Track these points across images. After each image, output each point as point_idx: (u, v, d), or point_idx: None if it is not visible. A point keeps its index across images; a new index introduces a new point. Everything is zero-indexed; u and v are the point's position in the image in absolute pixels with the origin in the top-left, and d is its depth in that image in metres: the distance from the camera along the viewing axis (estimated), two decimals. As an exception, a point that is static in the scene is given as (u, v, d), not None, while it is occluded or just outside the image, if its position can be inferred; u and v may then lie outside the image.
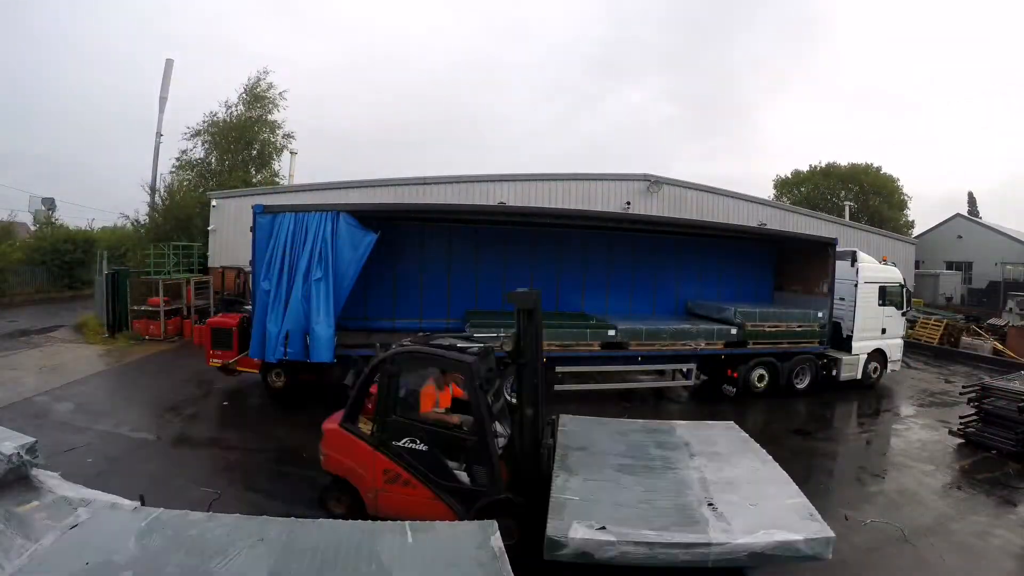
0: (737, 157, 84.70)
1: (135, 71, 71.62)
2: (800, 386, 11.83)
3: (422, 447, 5.26)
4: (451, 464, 5.30)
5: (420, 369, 5.77)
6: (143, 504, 3.96)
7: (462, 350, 5.59)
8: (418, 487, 5.21)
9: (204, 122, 25.54)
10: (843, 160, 39.23)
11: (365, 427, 5.50)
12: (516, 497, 5.09)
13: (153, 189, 23.39)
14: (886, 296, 12.65)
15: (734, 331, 11.15)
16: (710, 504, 4.78)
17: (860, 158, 39.32)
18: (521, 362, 5.30)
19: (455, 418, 5.55)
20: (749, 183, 54.69)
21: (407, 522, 3.03)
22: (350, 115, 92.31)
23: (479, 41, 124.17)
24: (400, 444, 5.29)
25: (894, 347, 13.00)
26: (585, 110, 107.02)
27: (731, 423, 7.17)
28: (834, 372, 12.20)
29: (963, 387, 10.16)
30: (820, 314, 11.83)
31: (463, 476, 5.27)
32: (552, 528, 4.29)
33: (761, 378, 11.49)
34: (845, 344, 12.35)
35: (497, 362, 6.11)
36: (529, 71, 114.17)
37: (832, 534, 4.42)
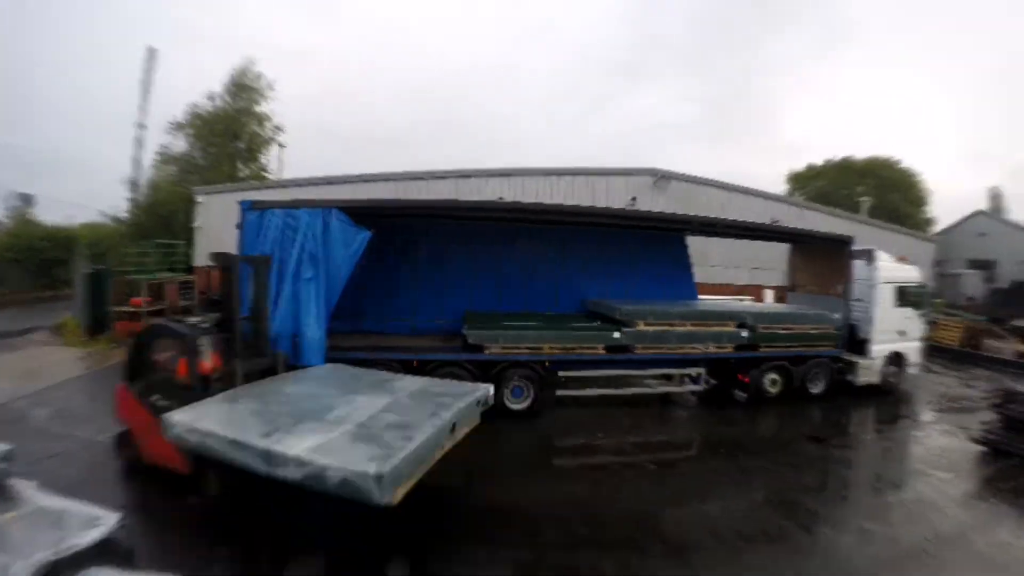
0: (748, 152, 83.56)
1: (122, 63, 69.32)
2: (815, 391, 11.43)
3: None
4: None
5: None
6: (124, 518, 3.86)
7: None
8: None
9: (188, 114, 24.63)
10: (860, 154, 38.38)
11: None
12: None
13: (134, 184, 22.58)
14: (905, 297, 12.24)
15: (745, 334, 10.79)
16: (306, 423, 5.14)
17: (879, 152, 38.45)
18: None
19: None
20: (761, 178, 53.85)
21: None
22: (354, 112, 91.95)
23: (488, 40, 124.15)
24: None
25: (913, 350, 12.56)
26: (595, 112, 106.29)
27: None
28: (850, 376, 11.84)
29: (985, 392, 9.78)
30: (836, 316, 11.47)
31: None
32: (169, 415, 5.17)
33: (774, 382, 11.13)
34: (862, 347, 11.95)
35: None
36: (536, 74, 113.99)
37: (372, 471, 4.21)
